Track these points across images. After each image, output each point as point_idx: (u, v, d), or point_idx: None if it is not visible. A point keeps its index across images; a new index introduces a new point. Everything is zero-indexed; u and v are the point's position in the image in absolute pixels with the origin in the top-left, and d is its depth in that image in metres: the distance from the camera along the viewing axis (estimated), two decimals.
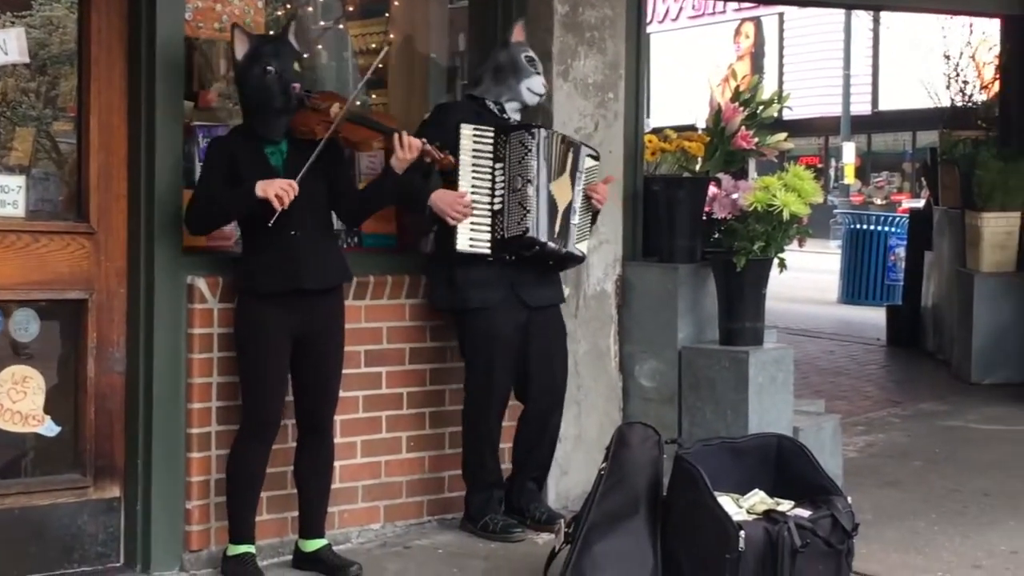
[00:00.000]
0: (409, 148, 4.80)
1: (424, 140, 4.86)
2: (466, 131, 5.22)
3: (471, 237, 5.21)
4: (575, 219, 5.36)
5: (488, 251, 5.23)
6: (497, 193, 5.24)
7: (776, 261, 5.78)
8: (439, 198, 5.18)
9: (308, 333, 4.73)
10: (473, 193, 5.22)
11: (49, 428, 4.72)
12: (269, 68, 4.60)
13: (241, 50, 4.63)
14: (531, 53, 5.45)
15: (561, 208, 5.32)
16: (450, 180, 5.22)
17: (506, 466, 5.47)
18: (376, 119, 5.14)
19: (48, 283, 4.70)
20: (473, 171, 5.23)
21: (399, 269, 5.42)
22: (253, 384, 4.71)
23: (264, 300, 4.67)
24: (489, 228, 5.23)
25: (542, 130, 5.33)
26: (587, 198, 5.42)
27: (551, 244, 5.28)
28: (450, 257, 5.23)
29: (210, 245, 4.97)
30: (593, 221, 5.54)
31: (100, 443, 4.82)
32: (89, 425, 4.78)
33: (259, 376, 4.69)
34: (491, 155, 5.25)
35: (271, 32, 5.38)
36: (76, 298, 4.76)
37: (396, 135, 4.83)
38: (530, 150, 5.24)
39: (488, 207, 5.24)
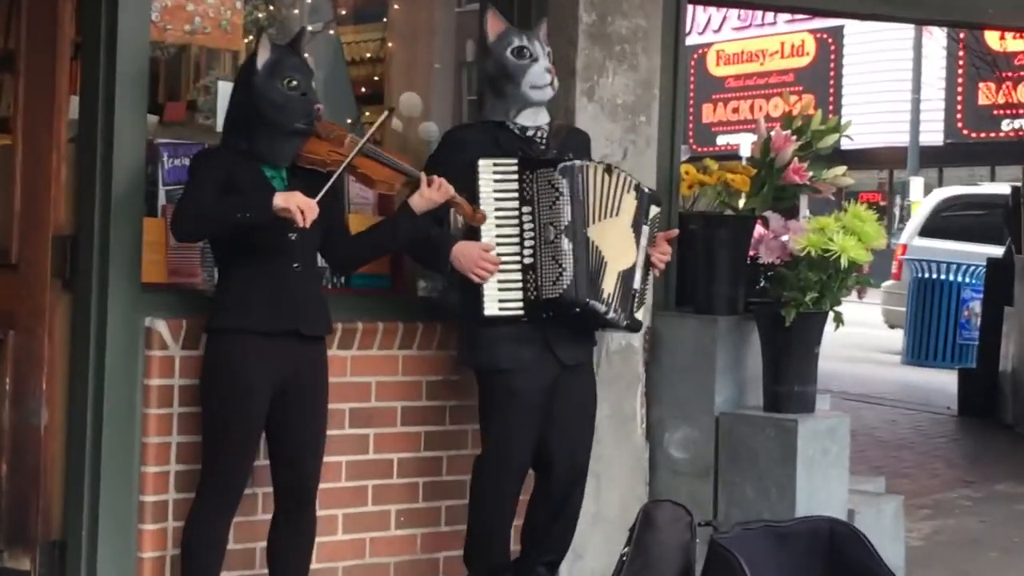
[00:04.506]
0: (438, 189, 4.81)
1: (453, 191, 4.84)
2: (484, 166, 5.03)
3: (500, 299, 5.04)
4: (637, 283, 5.19)
5: (521, 313, 5.05)
6: (527, 243, 5.05)
7: (831, 315, 5.78)
8: (461, 252, 5.00)
9: (293, 387, 4.69)
10: (499, 243, 5.05)
11: None
12: (295, 82, 4.60)
13: (263, 59, 4.59)
14: (518, 41, 5.16)
15: (615, 267, 5.10)
16: (472, 228, 5.09)
17: (515, 547, 5.43)
18: (394, 157, 5.03)
19: None
20: (497, 217, 5.04)
21: (392, 314, 5.42)
22: (220, 441, 4.65)
23: (247, 341, 4.60)
24: (520, 285, 5.05)
25: (575, 162, 5.09)
26: (648, 259, 5.26)
27: (596, 304, 5.05)
28: (476, 313, 5.09)
29: (173, 282, 4.96)
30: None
31: (12, 503, 4.80)
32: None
33: (229, 432, 4.64)
34: (516, 195, 5.06)
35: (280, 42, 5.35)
36: None
37: (424, 175, 4.84)
38: (561, 193, 5.02)
39: (517, 260, 5.06)
